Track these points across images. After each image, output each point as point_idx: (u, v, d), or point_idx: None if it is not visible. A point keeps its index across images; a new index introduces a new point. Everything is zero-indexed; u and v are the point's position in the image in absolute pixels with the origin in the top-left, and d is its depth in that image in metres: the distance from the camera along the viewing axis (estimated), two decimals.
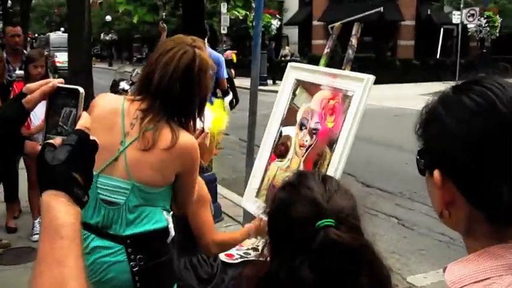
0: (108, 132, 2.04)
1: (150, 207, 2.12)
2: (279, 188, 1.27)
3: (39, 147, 0.96)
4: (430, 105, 0.90)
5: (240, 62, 31.21)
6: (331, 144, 2.81)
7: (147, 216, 2.11)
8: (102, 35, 44.60)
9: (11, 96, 4.68)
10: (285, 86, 3.31)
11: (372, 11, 24.77)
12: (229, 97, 6.85)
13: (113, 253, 2.09)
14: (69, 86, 1.04)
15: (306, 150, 2.99)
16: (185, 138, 2.08)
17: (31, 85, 1.05)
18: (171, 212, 2.25)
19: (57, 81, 1.03)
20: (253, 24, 20.07)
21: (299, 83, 3.23)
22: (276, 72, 23.27)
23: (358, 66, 12.95)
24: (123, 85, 7.81)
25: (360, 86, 2.72)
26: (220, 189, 6.08)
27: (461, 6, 22.66)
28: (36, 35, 50.96)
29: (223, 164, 7.97)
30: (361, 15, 22.13)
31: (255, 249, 2.93)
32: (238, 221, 5.35)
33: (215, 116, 2.55)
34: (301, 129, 3.07)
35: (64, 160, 0.90)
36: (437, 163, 0.86)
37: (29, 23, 32.19)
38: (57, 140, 0.95)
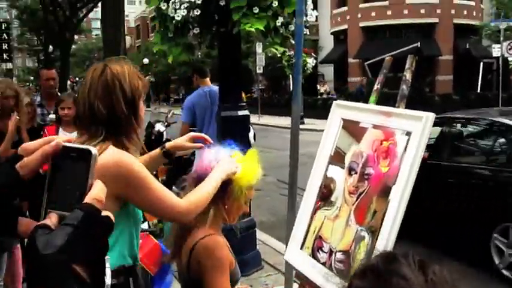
0: None
1: None
2: (356, 273, 0.95)
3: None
4: None
5: (276, 101, 31.30)
6: (386, 191, 2.49)
7: None
8: None
9: None
10: (331, 126, 3.02)
11: (410, 47, 24.51)
12: (252, 132, 6.72)
13: None
14: (78, 145, 0.79)
15: (357, 198, 2.68)
16: (111, 151, 1.84)
17: (28, 144, 0.79)
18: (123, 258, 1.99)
19: (62, 139, 0.77)
20: (288, 63, 19.80)
21: (344, 123, 2.94)
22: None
23: (396, 102, 12.59)
24: (159, 127, 7.64)
25: (418, 125, 2.41)
26: (259, 235, 5.75)
27: (502, 39, 22.10)
28: (77, 78, 52.44)
29: (261, 207, 7.67)
30: (399, 51, 21.94)
31: None
32: (279, 270, 5.02)
33: (245, 166, 2.22)
34: (350, 174, 2.76)
35: (60, 247, 0.65)
36: None
37: (69, 67, 33.10)
38: (53, 219, 0.70)
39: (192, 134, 2.39)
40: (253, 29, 4.23)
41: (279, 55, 19.69)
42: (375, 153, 2.63)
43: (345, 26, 33.49)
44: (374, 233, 2.51)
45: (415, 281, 0.84)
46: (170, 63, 38.34)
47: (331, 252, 2.77)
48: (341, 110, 3.01)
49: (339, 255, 2.73)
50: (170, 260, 2.29)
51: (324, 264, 2.80)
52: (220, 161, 2.12)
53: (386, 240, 2.41)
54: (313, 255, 2.89)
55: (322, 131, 4.56)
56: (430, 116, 2.38)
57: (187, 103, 5.95)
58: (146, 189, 1.85)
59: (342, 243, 2.72)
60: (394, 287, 0.83)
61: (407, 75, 2.68)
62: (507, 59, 22.25)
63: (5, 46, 38.11)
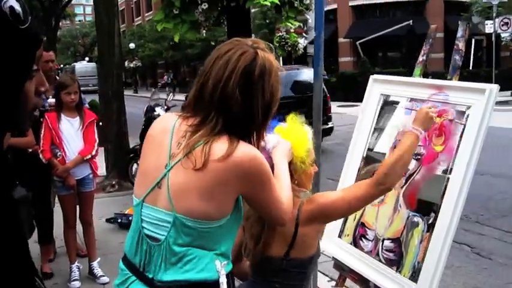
0: (155, 155, 1.67)
1: (197, 250, 1.62)
2: None
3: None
4: None
5: None
6: (443, 172, 2.26)
7: (190, 261, 1.61)
8: (126, 63, 44.83)
9: (43, 127, 4.23)
10: (369, 103, 2.78)
11: (402, 25, 24.25)
12: None
13: None
14: None
15: (406, 181, 2.45)
16: (244, 148, 1.60)
17: None
18: (228, 262, 1.69)
19: None
20: (280, 44, 19.25)
21: (386, 99, 2.70)
22: None
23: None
24: (159, 111, 7.35)
25: (481, 99, 2.17)
26: None
27: (494, 15, 21.93)
28: (61, 65, 51.60)
29: None
30: (391, 29, 21.61)
31: None
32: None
33: (294, 136, 1.99)
34: None
35: None
36: None
37: (56, 54, 32.50)
38: None
39: None
40: (267, 3, 3.96)
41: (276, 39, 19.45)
42: (426, 131, 2.40)
43: (334, 6, 33.08)
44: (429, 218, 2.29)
45: None
46: (157, 48, 37.39)
47: (377, 240, 2.55)
48: (380, 85, 2.77)
49: (388, 243, 2.51)
50: None
51: (369, 253, 2.57)
52: (275, 147, 1.88)
53: (447, 227, 2.18)
54: (355, 244, 2.67)
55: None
56: (495, 89, 2.14)
57: None
58: (268, 192, 1.69)
59: (391, 230, 2.49)
60: None
61: (460, 44, 2.43)
62: (500, 36, 22.09)
63: None
